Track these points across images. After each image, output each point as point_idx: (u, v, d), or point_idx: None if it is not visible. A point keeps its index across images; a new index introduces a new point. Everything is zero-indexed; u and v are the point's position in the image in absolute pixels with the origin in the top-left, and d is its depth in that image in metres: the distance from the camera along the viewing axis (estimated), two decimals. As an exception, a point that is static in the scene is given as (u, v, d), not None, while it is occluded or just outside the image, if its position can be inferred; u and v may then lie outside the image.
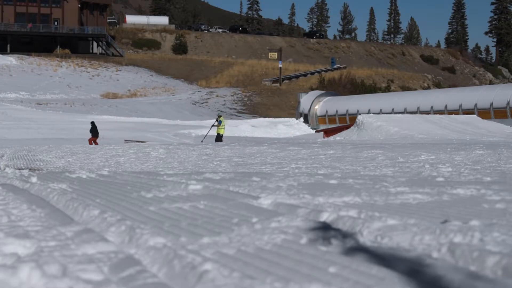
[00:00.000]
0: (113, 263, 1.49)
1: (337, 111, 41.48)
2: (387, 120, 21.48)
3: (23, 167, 6.00)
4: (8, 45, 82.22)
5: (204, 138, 23.06)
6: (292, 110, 58.08)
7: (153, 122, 34.85)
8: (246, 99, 66.01)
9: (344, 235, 1.65)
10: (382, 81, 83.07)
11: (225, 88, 70.23)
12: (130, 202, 2.53)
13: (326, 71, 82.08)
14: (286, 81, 76.46)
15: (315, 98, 43.44)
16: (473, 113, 30.81)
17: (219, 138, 22.62)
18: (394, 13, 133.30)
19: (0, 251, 1.61)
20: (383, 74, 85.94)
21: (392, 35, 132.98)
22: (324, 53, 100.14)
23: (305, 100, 44.62)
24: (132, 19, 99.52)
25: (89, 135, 22.31)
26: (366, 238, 1.61)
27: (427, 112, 34.41)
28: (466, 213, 1.98)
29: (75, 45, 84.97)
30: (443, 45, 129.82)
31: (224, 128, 25.51)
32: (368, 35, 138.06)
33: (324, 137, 24.10)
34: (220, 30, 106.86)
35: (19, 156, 8.10)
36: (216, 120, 24.18)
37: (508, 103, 33.77)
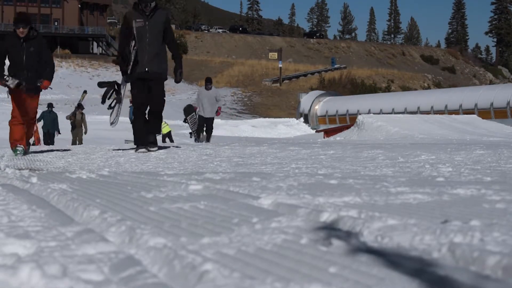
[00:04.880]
0: (114, 263, 1.49)
1: (337, 111, 41.54)
2: (387, 120, 21.49)
3: (23, 168, 6.00)
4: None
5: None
6: (292, 110, 58.14)
7: (153, 122, 34.80)
8: (246, 99, 66.00)
9: (345, 235, 1.65)
10: (382, 81, 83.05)
11: (225, 88, 70.25)
12: (131, 202, 2.53)
13: (326, 71, 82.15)
14: (286, 81, 76.40)
15: (315, 98, 43.50)
16: (473, 113, 30.85)
17: (164, 137, 22.47)
18: (394, 13, 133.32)
19: (0, 251, 1.61)
20: (383, 74, 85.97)
21: (392, 35, 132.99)
22: (324, 53, 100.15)
23: (305, 100, 44.62)
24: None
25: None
26: (366, 238, 1.61)
27: (427, 112, 34.45)
28: (466, 213, 1.98)
29: (75, 46, 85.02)
30: (443, 45, 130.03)
31: (166, 126, 25.27)
32: (368, 35, 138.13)
33: (324, 137, 24.11)
34: (220, 30, 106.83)
35: (19, 157, 8.11)
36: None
37: (508, 103, 33.78)
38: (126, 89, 8.79)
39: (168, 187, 2.99)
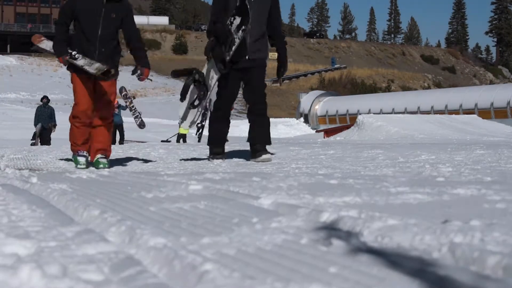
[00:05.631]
0: (114, 263, 1.49)
1: (337, 111, 41.56)
2: (387, 120, 21.49)
3: (23, 168, 6.00)
4: (8, 45, 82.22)
5: (167, 139, 22.78)
6: (292, 110, 58.17)
7: (153, 122, 34.81)
8: (246, 99, 65.94)
9: (345, 235, 1.64)
10: (382, 81, 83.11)
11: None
12: (131, 203, 2.53)
13: (326, 71, 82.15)
14: (286, 81, 76.38)
15: (316, 98, 43.52)
16: (473, 113, 30.88)
17: (180, 137, 22.51)
18: (394, 13, 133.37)
19: (0, 251, 1.61)
20: (383, 74, 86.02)
21: (392, 35, 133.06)
22: (324, 53, 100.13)
23: (306, 100, 44.65)
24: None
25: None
26: (366, 238, 1.61)
27: (428, 112, 34.46)
28: (467, 213, 1.97)
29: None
30: (443, 45, 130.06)
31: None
32: (368, 35, 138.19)
33: (324, 137, 24.10)
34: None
35: (19, 157, 8.10)
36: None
37: (508, 103, 33.79)
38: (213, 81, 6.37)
39: (168, 187, 2.99)
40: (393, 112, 35.93)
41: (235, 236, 1.71)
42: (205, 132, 17.16)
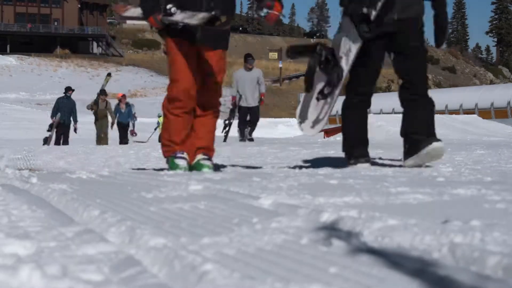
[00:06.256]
0: (114, 263, 1.49)
1: (337, 111, 41.47)
2: (387, 120, 21.44)
3: (23, 168, 6.00)
4: (8, 46, 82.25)
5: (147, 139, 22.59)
6: (292, 110, 58.22)
7: (153, 122, 34.77)
8: (246, 99, 65.99)
9: (345, 236, 1.64)
10: (382, 81, 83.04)
11: (225, 88, 70.18)
12: (131, 203, 2.53)
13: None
14: (286, 81, 76.40)
15: (316, 98, 43.42)
16: (473, 113, 30.88)
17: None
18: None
19: (0, 251, 1.61)
20: (383, 74, 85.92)
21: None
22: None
23: (306, 100, 44.38)
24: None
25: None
26: (366, 238, 1.61)
27: (428, 112, 34.32)
28: (467, 213, 1.97)
29: (75, 45, 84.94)
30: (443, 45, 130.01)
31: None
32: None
33: (324, 137, 24.07)
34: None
35: (19, 157, 8.10)
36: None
37: (509, 103, 33.80)
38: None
39: (168, 187, 2.99)
40: (393, 112, 35.90)
41: (235, 236, 1.71)
42: (232, 133, 15.82)
